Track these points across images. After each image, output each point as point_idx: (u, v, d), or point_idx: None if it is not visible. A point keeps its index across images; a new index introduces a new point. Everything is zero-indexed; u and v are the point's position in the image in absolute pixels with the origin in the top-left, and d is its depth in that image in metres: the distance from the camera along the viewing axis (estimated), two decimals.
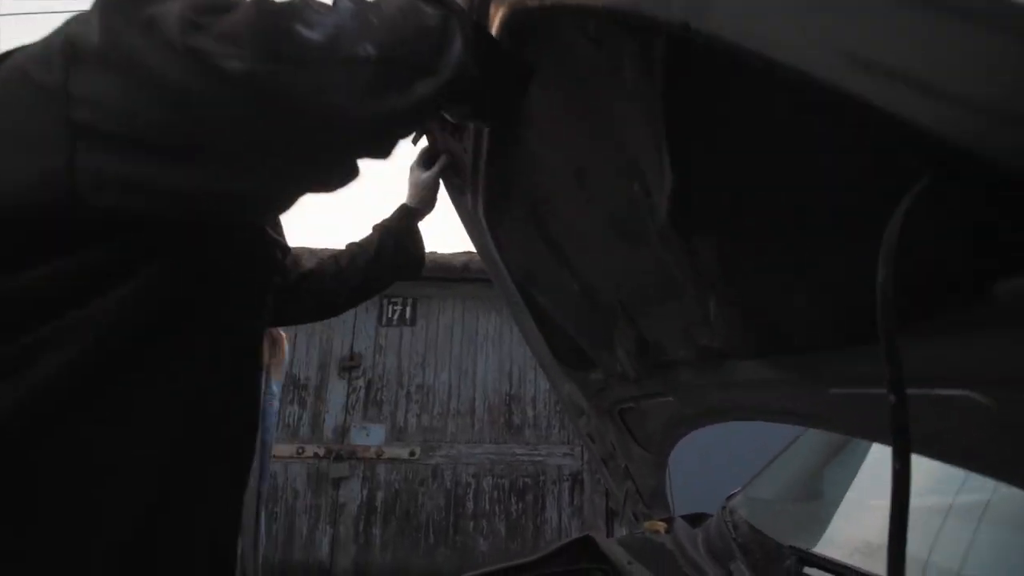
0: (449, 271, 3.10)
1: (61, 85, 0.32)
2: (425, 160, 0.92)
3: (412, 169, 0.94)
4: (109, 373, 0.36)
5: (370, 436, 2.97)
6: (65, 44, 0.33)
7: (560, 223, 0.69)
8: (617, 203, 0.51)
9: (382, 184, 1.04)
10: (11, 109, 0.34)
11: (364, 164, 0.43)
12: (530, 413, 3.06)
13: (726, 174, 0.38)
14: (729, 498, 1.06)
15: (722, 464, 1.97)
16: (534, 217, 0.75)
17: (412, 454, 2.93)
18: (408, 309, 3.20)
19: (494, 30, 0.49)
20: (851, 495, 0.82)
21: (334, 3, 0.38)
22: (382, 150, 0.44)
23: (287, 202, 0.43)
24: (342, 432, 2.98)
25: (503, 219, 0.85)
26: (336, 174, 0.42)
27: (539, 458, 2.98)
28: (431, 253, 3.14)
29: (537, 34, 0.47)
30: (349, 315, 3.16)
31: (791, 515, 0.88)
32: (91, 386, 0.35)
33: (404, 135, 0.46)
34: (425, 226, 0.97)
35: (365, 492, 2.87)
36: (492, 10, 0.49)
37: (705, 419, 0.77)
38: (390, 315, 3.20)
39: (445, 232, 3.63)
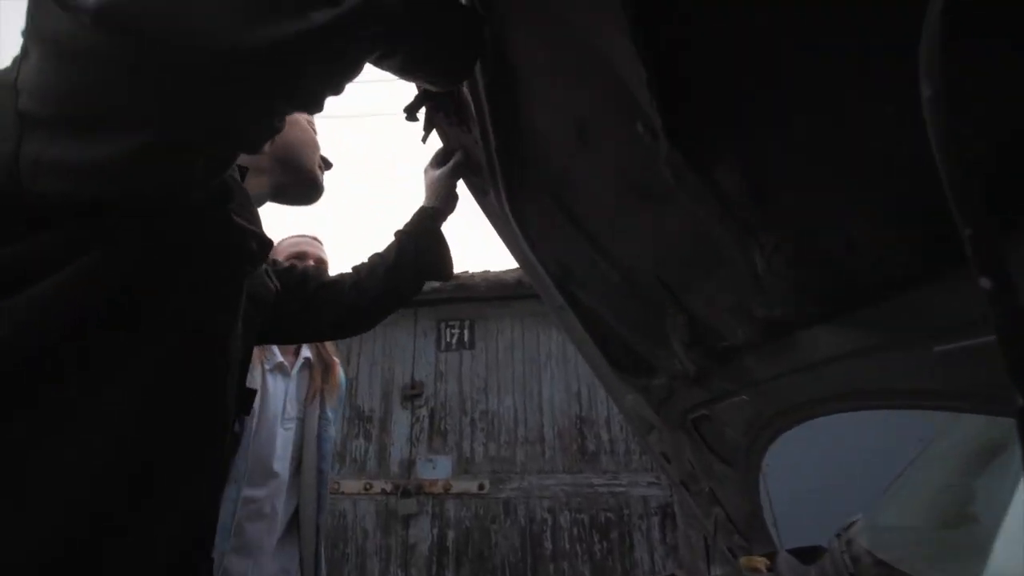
0: (504, 288, 3.11)
1: (14, 80, 0.35)
2: (440, 160, 0.94)
3: (426, 170, 0.95)
4: (39, 366, 0.36)
5: (437, 468, 2.99)
6: (22, 44, 0.36)
7: (581, 198, 0.66)
8: (628, 156, 0.47)
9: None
10: None
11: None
12: (605, 437, 2.92)
13: (722, 65, 0.32)
14: (847, 527, 0.91)
15: (841, 480, 1.70)
16: (556, 200, 0.73)
17: (481, 487, 2.90)
18: (466, 332, 3.24)
19: None
20: (1014, 515, 0.66)
21: None
22: (294, 95, 0.40)
23: (210, 163, 0.41)
24: (408, 465, 3.04)
25: (529, 210, 0.84)
26: (250, 121, 0.40)
27: (620, 489, 2.81)
28: (483, 272, 3.19)
29: None
30: (408, 342, 3.27)
31: (928, 543, 0.73)
32: (16, 378, 0.35)
33: (321, 80, 0.41)
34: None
35: (435, 531, 2.88)
36: None
37: (789, 418, 0.67)
38: (448, 339, 3.25)
39: (496, 252, 3.68)
